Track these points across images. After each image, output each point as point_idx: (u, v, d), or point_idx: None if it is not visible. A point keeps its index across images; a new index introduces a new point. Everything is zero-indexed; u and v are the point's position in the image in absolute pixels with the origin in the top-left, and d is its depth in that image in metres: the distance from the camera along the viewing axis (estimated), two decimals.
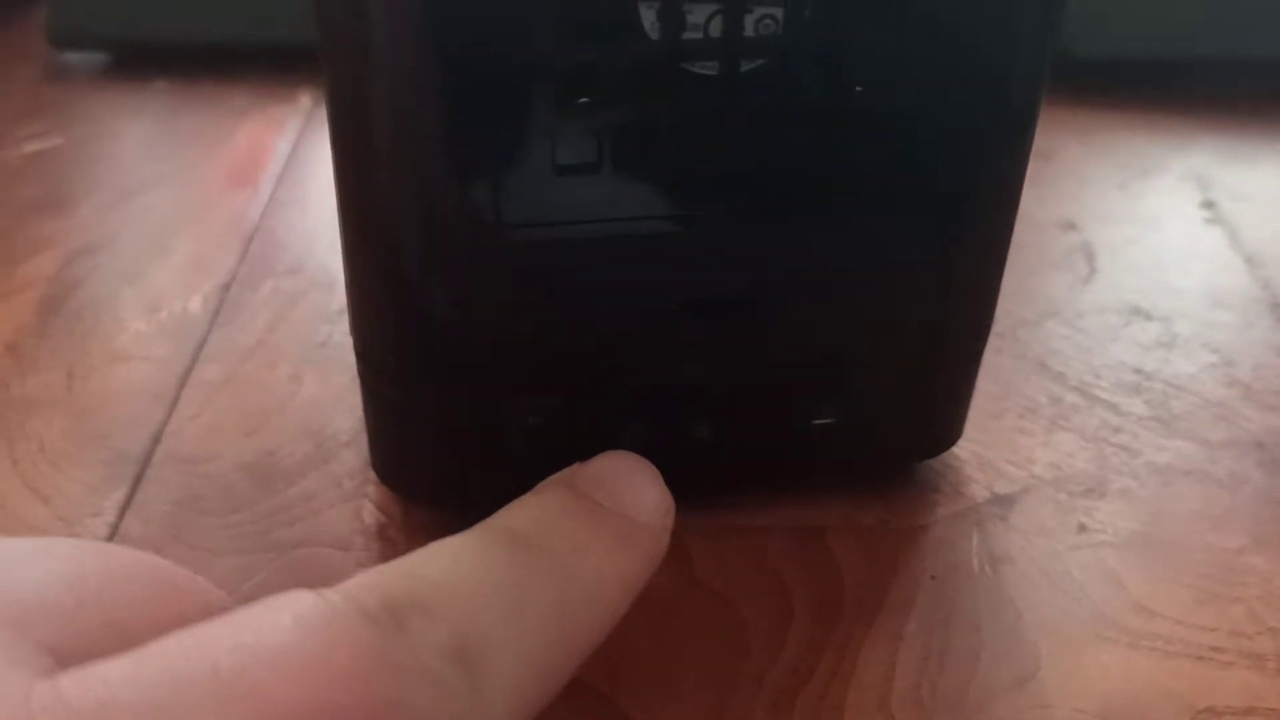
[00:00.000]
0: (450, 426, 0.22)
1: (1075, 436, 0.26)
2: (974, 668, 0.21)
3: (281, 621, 0.13)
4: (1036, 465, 0.25)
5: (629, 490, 0.19)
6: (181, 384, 0.27)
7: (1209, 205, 0.35)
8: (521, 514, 0.18)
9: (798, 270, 0.21)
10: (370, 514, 0.24)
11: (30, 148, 0.36)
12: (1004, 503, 0.24)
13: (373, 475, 0.24)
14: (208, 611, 0.14)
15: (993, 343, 0.24)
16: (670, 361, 0.22)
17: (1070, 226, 0.34)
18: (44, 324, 0.29)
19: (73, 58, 0.41)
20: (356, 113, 0.19)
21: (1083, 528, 0.24)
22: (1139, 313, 0.30)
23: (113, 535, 0.23)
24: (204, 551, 0.23)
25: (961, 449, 0.25)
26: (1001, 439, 0.26)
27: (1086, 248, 0.33)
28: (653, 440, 0.23)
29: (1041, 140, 0.38)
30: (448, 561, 0.16)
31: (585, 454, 0.23)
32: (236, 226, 0.33)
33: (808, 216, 0.21)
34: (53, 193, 0.34)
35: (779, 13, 0.19)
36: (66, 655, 0.13)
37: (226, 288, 0.30)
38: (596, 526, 0.18)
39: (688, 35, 0.19)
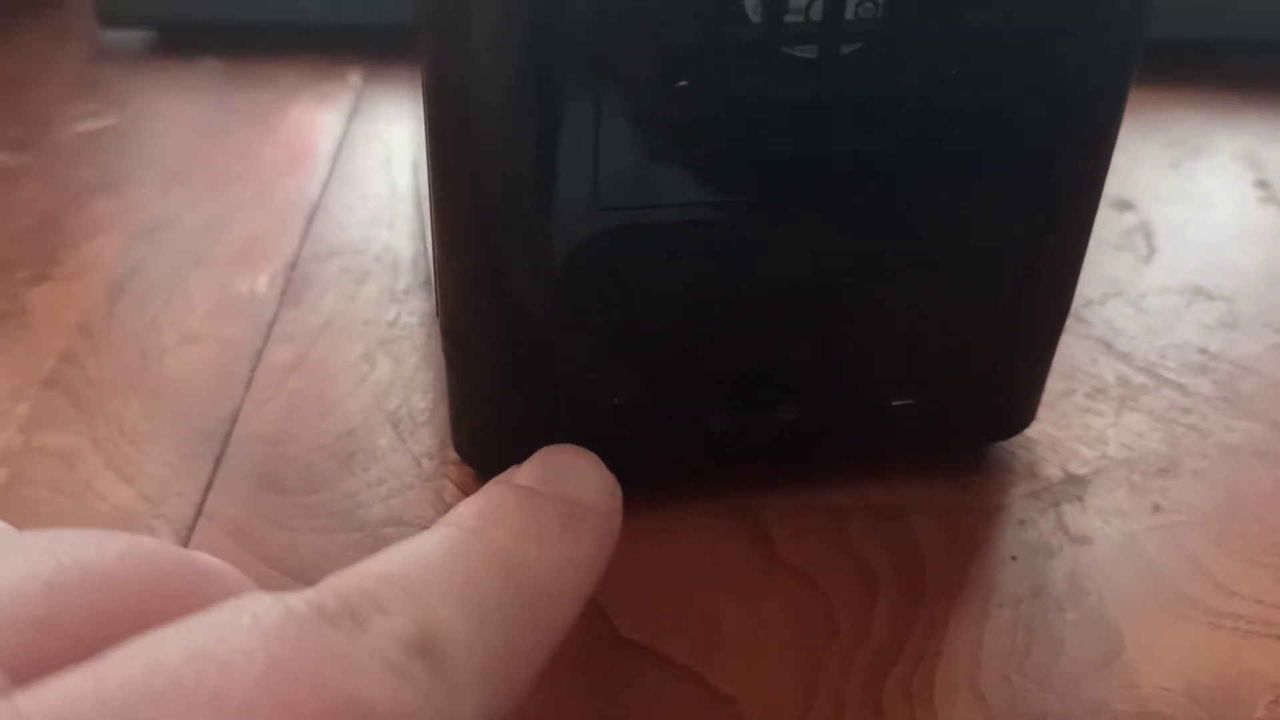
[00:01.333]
0: (537, 407, 0.22)
1: (1145, 417, 0.26)
2: (1060, 647, 0.21)
3: (241, 623, 0.13)
4: (1109, 446, 0.25)
5: (569, 476, 0.19)
6: (254, 365, 0.27)
7: (1263, 185, 0.35)
8: (464, 512, 0.18)
9: (883, 256, 0.22)
10: (451, 494, 0.24)
11: (84, 127, 0.36)
12: (1079, 483, 0.25)
13: (452, 455, 0.24)
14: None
15: None
16: (756, 345, 0.22)
17: (1127, 206, 0.34)
18: (113, 305, 0.29)
19: (121, 36, 0.41)
20: (455, 95, 0.19)
21: (1158, 508, 0.24)
22: (1201, 293, 0.30)
23: (198, 515, 0.23)
24: (288, 530, 0.23)
25: (1033, 429, 0.26)
26: (1073, 419, 0.26)
27: (1145, 227, 0.33)
28: (735, 421, 0.23)
29: None
30: (401, 560, 0.16)
31: (670, 436, 0.23)
32: (296, 206, 0.33)
33: (896, 202, 0.21)
34: (109, 173, 0.34)
35: None
36: (26, 666, 0.13)
37: (292, 267, 0.30)
38: (538, 513, 0.18)
39: (790, 19, 0.19)
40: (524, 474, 0.19)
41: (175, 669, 0.12)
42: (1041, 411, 0.25)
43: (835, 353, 0.23)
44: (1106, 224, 0.33)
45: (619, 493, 0.19)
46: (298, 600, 0.13)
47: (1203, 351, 0.28)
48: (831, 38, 0.19)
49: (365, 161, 0.35)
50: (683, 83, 0.19)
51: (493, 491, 0.18)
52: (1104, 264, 0.31)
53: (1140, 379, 0.27)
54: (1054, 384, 0.27)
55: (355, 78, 0.39)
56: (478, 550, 0.17)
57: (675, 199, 0.20)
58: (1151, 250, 0.32)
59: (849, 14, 0.19)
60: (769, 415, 0.23)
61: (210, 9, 0.41)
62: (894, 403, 0.23)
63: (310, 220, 0.32)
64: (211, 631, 0.13)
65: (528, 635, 0.16)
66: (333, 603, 0.14)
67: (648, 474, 0.23)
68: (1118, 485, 0.25)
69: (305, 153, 0.35)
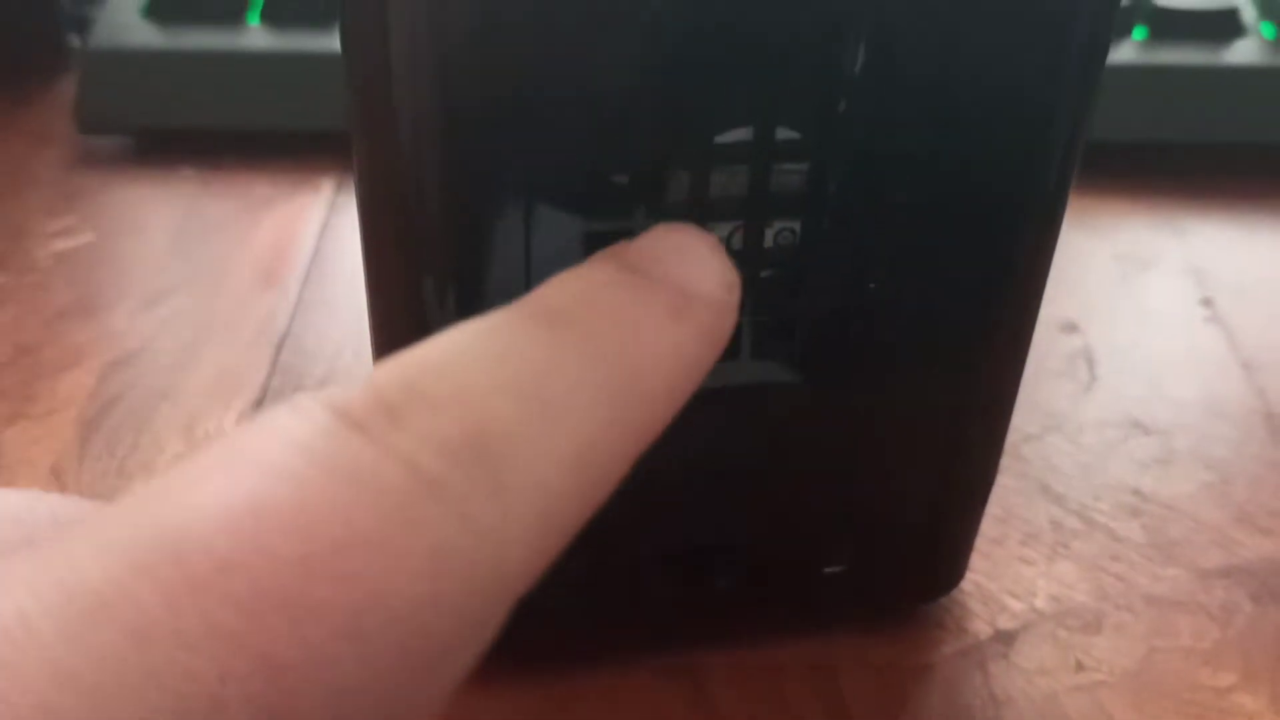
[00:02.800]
0: None
1: (1075, 565, 0.27)
2: None
3: (263, 457, 0.12)
4: (1038, 598, 0.27)
5: (685, 260, 0.16)
6: None
7: (1207, 303, 0.36)
8: (556, 288, 0.15)
9: (814, 441, 0.23)
10: None
11: (61, 245, 0.37)
12: (1006, 639, 0.26)
13: None
14: None
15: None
16: (691, 524, 0.23)
17: (1072, 328, 0.35)
18: (85, 445, 0.30)
19: (100, 141, 0.42)
20: (384, 201, 0.20)
21: (1080, 666, 0.25)
22: (1138, 426, 0.31)
23: None
24: None
25: (966, 579, 0.27)
26: (1005, 569, 0.27)
27: (1088, 352, 0.34)
28: (671, 590, 0.24)
29: None
30: (462, 344, 0.14)
31: (606, 604, 0.24)
32: (266, 332, 0.34)
33: (827, 390, 0.22)
34: (84, 297, 0.35)
35: (797, 226, 0.20)
36: None
37: (258, 404, 0.31)
38: (645, 300, 0.15)
39: None
40: (636, 251, 0.16)
41: (185, 522, 0.11)
42: (975, 559, 0.27)
43: (765, 530, 0.24)
44: (1050, 347, 0.34)
45: (738, 286, 0.16)
46: (320, 408, 0.12)
47: (1136, 492, 0.29)
48: (751, 264, 0.20)
49: (335, 280, 0.36)
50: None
51: (597, 269, 0.16)
52: (1045, 393, 0.32)
53: (1072, 522, 0.28)
54: (989, 528, 0.28)
55: (328, 188, 0.40)
56: (566, 342, 0.14)
57: None
58: (1093, 379, 0.33)
59: (768, 243, 0.20)
60: (705, 582, 0.24)
61: (187, 116, 0.42)
62: (826, 570, 0.25)
63: (279, 348, 0.33)
64: (226, 477, 0.12)
65: (609, 442, 0.14)
66: (365, 402, 0.12)
67: (585, 639, 0.24)
68: (1043, 640, 0.26)
69: (277, 272, 0.36)
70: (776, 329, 0.21)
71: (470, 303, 0.19)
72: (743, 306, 0.18)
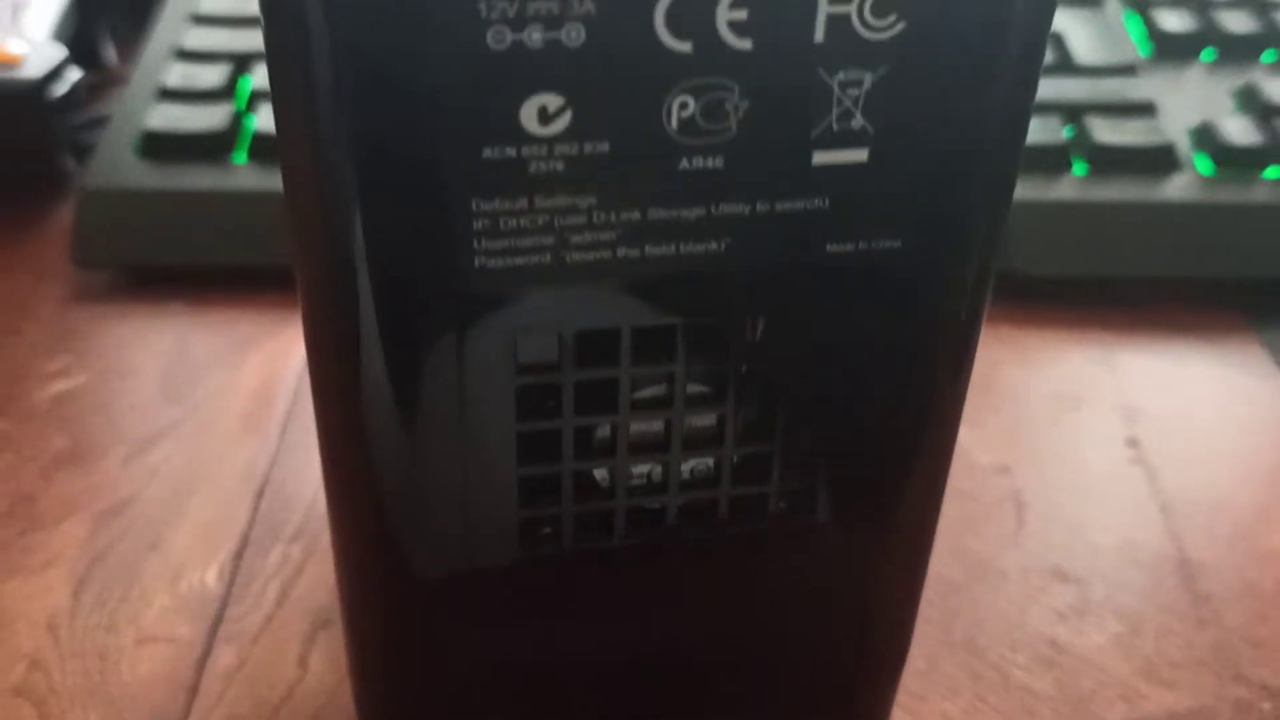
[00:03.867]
0: None
1: None
2: None
3: None
4: None
5: None
6: (200, 669, 0.30)
7: (1133, 443, 0.38)
8: None
9: (727, 603, 0.25)
10: None
11: (58, 388, 0.39)
12: None
13: None
14: None
15: (924, 611, 0.28)
16: (605, 696, 0.26)
17: (1004, 470, 0.37)
18: (78, 599, 0.32)
19: (94, 276, 0.44)
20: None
21: None
22: (1059, 574, 0.34)
23: None
24: None
25: None
26: None
27: (1017, 497, 0.36)
28: None
29: (982, 366, 0.41)
30: None
31: None
32: (247, 480, 0.36)
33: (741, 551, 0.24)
34: (78, 442, 0.37)
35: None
36: None
37: (239, 555, 0.34)
38: None
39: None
40: None
41: None
42: (899, 714, 0.29)
43: (678, 699, 0.26)
44: (982, 492, 0.36)
45: None
46: None
47: (1052, 643, 0.32)
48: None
49: (312, 424, 0.38)
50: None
51: None
52: (974, 541, 0.34)
53: (991, 676, 0.31)
54: (910, 682, 0.30)
55: None
56: None
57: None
58: (1020, 524, 0.35)
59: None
60: None
61: (178, 252, 0.44)
62: None
63: (259, 496, 0.36)
64: None
65: None
66: None
67: None
68: None
69: (258, 416, 0.38)
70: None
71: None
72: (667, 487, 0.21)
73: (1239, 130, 0.46)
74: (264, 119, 0.47)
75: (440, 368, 0.20)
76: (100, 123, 0.51)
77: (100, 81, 0.55)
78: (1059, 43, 0.51)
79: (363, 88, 0.17)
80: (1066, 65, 0.50)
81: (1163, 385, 0.41)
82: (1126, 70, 0.49)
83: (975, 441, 0.38)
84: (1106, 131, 0.46)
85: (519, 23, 0.17)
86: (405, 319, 0.20)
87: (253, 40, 0.49)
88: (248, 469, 0.37)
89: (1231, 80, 0.49)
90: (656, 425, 0.22)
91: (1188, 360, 0.42)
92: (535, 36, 0.17)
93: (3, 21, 0.49)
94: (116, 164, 0.45)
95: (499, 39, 0.17)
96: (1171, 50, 0.51)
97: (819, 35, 0.18)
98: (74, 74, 0.49)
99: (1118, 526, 0.35)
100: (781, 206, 0.19)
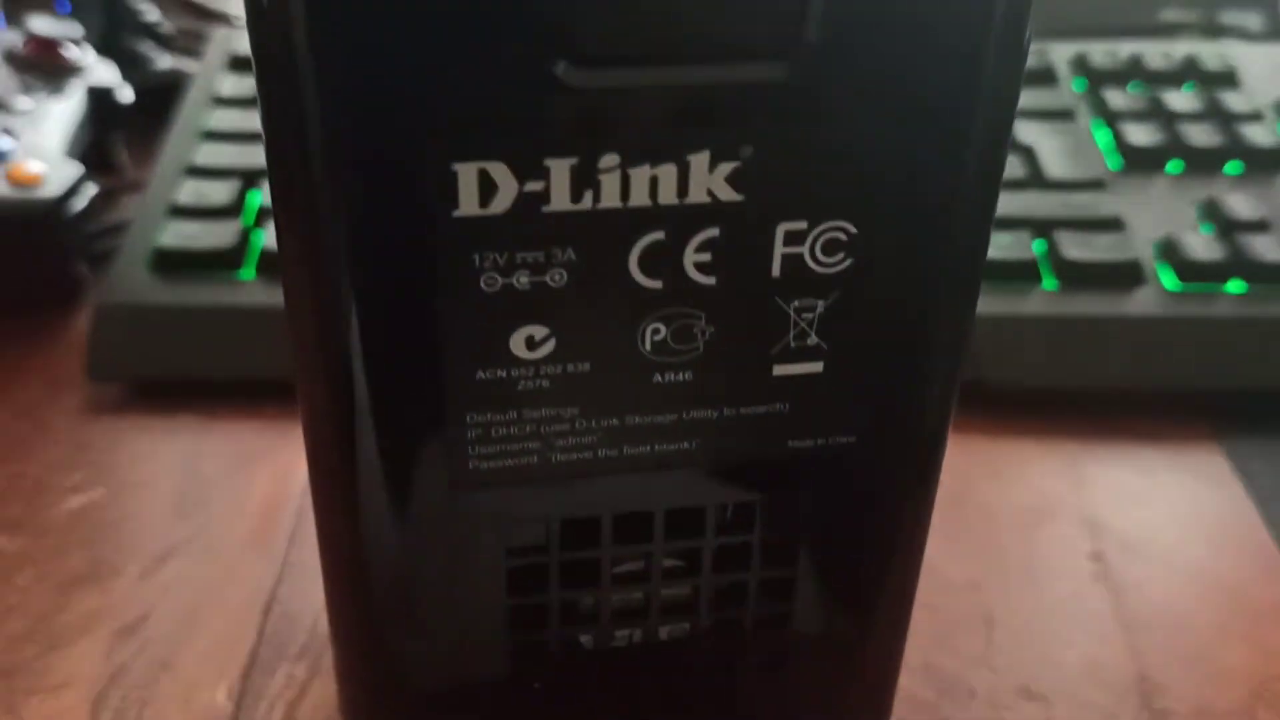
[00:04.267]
0: None
1: None
2: None
3: None
4: None
5: None
6: None
7: (1097, 558, 0.40)
8: None
9: None
10: None
11: (74, 503, 0.41)
12: None
13: None
14: None
15: None
16: None
17: (975, 587, 0.39)
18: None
19: (107, 387, 0.46)
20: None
21: None
22: (1024, 693, 0.36)
23: None
24: None
25: None
26: None
27: (987, 614, 0.38)
28: None
29: (956, 481, 0.44)
30: None
31: None
32: (255, 598, 0.38)
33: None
34: (94, 560, 0.39)
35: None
36: None
37: (247, 675, 0.35)
38: None
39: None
40: None
41: None
42: None
43: None
44: (953, 609, 0.38)
45: None
46: None
47: None
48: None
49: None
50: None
51: None
52: (944, 659, 0.36)
53: None
54: None
55: None
56: None
57: None
58: (988, 643, 0.37)
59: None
60: None
61: (188, 366, 0.46)
62: None
63: (266, 614, 0.37)
64: None
65: None
66: None
67: None
68: None
69: (265, 533, 0.40)
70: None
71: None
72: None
73: (1201, 246, 0.49)
74: (270, 235, 0.49)
75: (434, 550, 0.22)
76: (114, 231, 0.54)
77: (114, 187, 0.58)
78: (1030, 156, 0.53)
79: (372, 335, 0.20)
80: (1037, 179, 0.52)
81: (1127, 496, 0.43)
82: (1095, 185, 0.52)
83: (949, 558, 0.40)
84: (1075, 248, 0.48)
85: (508, 269, 0.19)
86: (401, 514, 0.22)
87: (260, 156, 0.51)
88: (255, 587, 0.38)
89: (1195, 193, 0.52)
90: (637, 594, 0.24)
91: (1153, 470, 0.44)
92: (523, 280, 0.19)
93: (22, 138, 0.52)
94: (130, 280, 0.47)
95: (490, 283, 0.19)
96: (1139, 163, 0.53)
97: (775, 271, 0.20)
98: (91, 189, 0.51)
99: (1082, 643, 0.37)
100: (745, 410, 0.21)
